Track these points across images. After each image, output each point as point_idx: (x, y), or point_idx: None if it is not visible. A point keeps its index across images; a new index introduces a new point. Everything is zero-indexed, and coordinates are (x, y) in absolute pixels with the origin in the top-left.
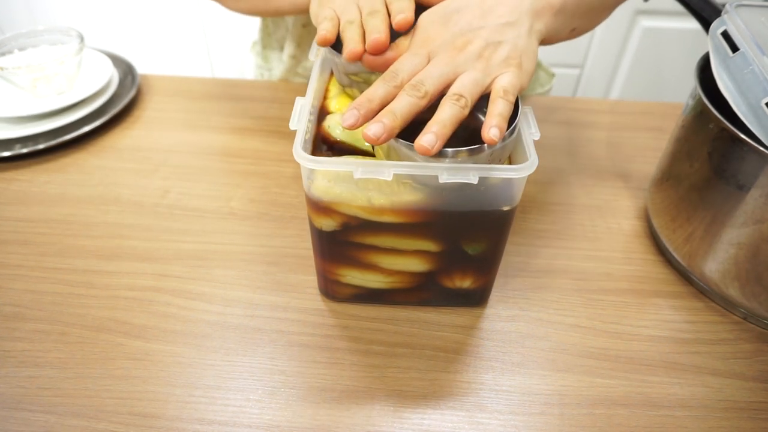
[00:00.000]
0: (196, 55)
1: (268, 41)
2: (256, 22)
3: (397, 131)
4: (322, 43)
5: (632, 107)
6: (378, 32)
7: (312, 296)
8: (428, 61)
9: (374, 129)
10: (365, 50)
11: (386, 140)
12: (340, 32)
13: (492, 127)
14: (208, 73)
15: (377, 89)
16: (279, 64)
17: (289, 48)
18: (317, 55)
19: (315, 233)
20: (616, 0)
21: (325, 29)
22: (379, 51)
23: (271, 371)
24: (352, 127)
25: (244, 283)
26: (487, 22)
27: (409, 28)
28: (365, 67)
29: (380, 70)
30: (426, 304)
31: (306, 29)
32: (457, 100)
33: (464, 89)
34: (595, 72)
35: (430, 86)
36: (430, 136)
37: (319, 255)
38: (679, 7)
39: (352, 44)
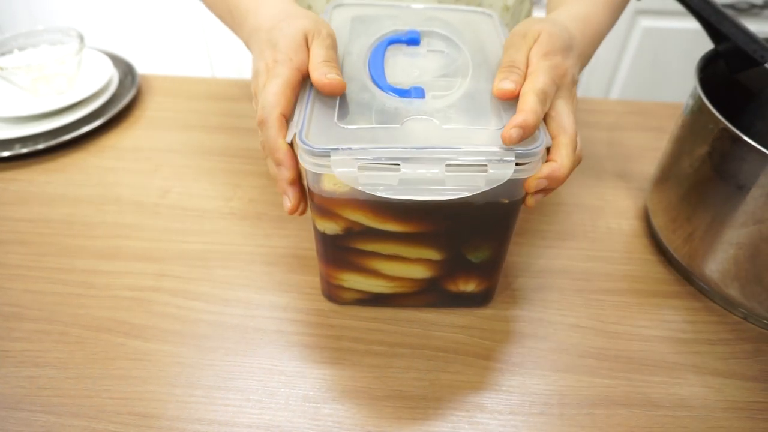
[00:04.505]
0: (196, 55)
1: None
2: None
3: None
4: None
5: (632, 107)
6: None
7: (312, 296)
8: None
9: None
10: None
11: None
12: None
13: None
14: (208, 73)
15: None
16: None
17: None
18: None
19: (318, 237)
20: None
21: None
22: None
23: (271, 371)
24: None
25: (244, 283)
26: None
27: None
28: None
29: None
30: (430, 307)
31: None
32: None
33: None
34: (595, 72)
35: None
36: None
37: (323, 259)
38: (679, 7)
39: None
